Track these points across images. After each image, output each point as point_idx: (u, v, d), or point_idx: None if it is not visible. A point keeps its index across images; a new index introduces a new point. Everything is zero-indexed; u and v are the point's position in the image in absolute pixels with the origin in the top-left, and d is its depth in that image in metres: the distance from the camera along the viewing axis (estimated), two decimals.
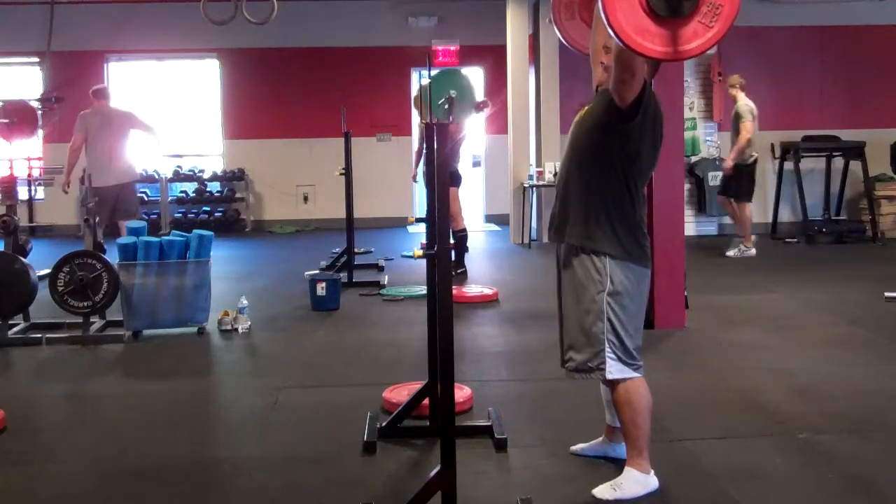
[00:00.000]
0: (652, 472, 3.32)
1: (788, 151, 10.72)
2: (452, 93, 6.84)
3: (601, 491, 3.24)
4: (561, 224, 3.31)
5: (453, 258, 8.00)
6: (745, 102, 9.15)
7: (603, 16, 2.66)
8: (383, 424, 3.93)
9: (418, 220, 4.22)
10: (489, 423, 3.95)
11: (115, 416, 4.46)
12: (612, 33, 2.68)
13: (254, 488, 3.50)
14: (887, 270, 8.34)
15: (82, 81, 11.89)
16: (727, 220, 11.09)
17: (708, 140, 11.00)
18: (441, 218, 3.00)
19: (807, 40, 11.26)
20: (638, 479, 3.27)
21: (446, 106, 6.73)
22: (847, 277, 7.98)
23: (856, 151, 10.50)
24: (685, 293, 6.11)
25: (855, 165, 10.70)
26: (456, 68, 7.72)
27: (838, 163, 10.90)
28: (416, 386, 4.15)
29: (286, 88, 12.34)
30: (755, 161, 9.14)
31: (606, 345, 3.20)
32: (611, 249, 3.19)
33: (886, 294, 6.84)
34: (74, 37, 11.65)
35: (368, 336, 6.04)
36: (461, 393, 4.23)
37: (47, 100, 11.06)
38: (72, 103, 11.01)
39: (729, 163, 9.13)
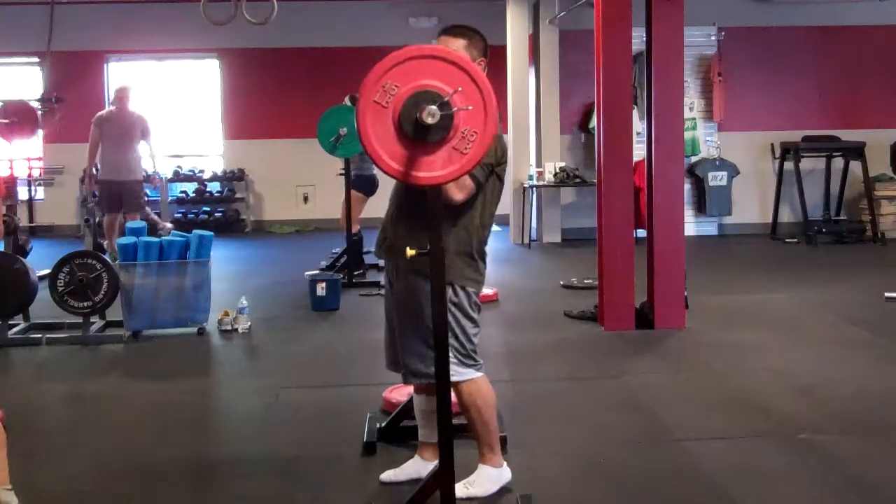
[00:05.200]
0: (505, 464, 3.35)
1: (788, 151, 10.72)
2: (343, 130, 7.35)
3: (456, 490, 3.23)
4: (395, 241, 3.26)
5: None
6: None
7: (360, 138, 2.68)
8: (383, 425, 3.93)
9: None
10: None
11: (115, 416, 4.46)
12: (369, 156, 2.70)
13: (253, 488, 3.50)
14: (887, 270, 8.34)
15: (82, 81, 11.92)
16: (727, 219, 11.10)
17: (708, 140, 10.99)
18: (436, 218, 2.99)
19: (807, 40, 11.25)
20: (491, 476, 3.30)
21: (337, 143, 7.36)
22: (847, 277, 7.98)
23: (856, 151, 10.49)
24: (685, 293, 6.11)
25: (855, 165, 10.70)
26: (348, 106, 7.80)
27: (838, 163, 10.89)
28: None
29: (286, 88, 12.33)
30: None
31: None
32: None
33: (886, 294, 6.84)
34: (74, 37, 11.64)
35: (368, 336, 6.03)
36: None
37: (47, 100, 11.04)
38: (72, 103, 11.00)
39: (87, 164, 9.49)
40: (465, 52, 3.15)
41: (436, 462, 3.37)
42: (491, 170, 3.17)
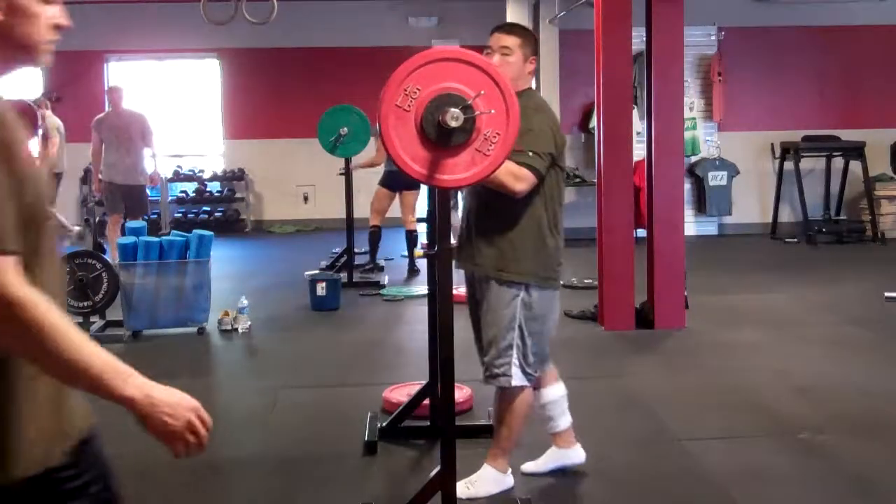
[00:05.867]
0: (509, 471, 3.35)
1: (788, 151, 10.71)
2: (343, 129, 7.34)
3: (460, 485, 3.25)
4: (466, 249, 3.30)
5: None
6: (52, 122, 9.63)
7: (383, 141, 2.69)
8: (384, 424, 3.93)
9: (419, 221, 4.24)
10: (489, 423, 3.95)
11: (114, 417, 4.45)
12: (392, 159, 2.72)
13: (254, 488, 3.51)
14: (887, 270, 8.33)
15: (82, 81, 11.91)
16: (727, 219, 11.10)
17: (708, 140, 10.99)
18: (441, 219, 3.00)
19: (807, 40, 11.25)
20: (493, 478, 3.30)
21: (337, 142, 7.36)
22: (847, 277, 7.98)
23: (856, 151, 10.49)
24: (685, 293, 6.11)
25: (855, 165, 10.69)
26: (350, 106, 7.75)
27: (838, 163, 10.89)
28: (416, 386, 4.15)
29: (286, 88, 12.32)
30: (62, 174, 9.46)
31: (515, 351, 3.19)
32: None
33: (886, 294, 6.83)
34: (74, 37, 11.54)
35: (368, 336, 6.03)
36: (461, 393, 4.23)
37: (47, 100, 11.03)
38: (72, 103, 11.01)
39: None
40: (518, 50, 3.17)
41: (571, 447, 3.42)
42: (552, 160, 3.15)
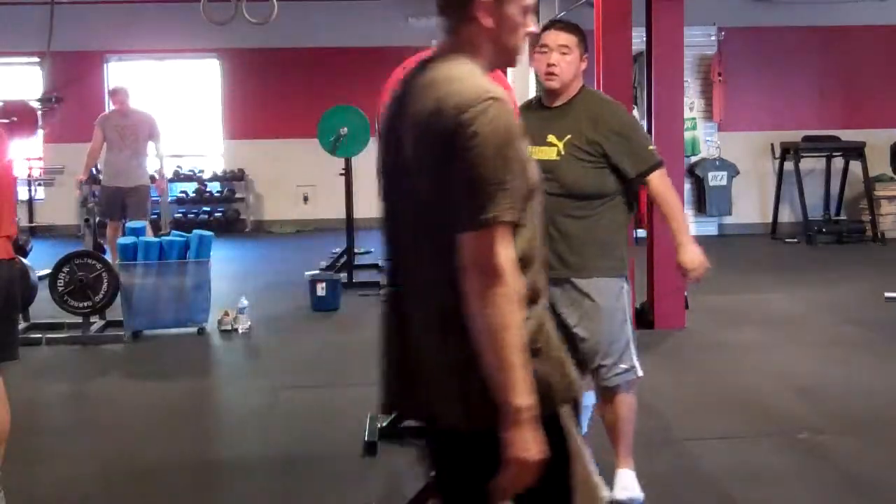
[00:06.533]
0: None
1: (788, 151, 10.71)
2: (343, 129, 7.37)
3: (618, 494, 3.23)
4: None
5: None
6: None
7: None
8: (384, 424, 3.93)
9: None
10: None
11: (115, 417, 4.46)
12: None
13: (254, 488, 3.50)
14: (887, 270, 8.34)
15: (82, 81, 11.92)
16: (727, 219, 11.10)
17: (708, 140, 10.99)
18: None
19: (807, 40, 11.24)
20: (635, 479, 3.28)
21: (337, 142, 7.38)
22: (847, 277, 7.98)
23: (856, 151, 10.49)
24: (685, 293, 6.11)
25: (855, 165, 10.69)
26: (350, 106, 7.70)
27: (838, 163, 10.88)
28: None
29: (286, 88, 12.32)
30: None
31: (633, 343, 3.18)
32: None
33: (886, 294, 6.83)
34: (74, 37, 11.63)
35: (368, 336, 5.98)
36: None
37: (47, 100, 11.04)
38: (72, 103, 11.00)
39: None
40: (576, 49, 3.13)
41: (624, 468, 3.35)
42: None
